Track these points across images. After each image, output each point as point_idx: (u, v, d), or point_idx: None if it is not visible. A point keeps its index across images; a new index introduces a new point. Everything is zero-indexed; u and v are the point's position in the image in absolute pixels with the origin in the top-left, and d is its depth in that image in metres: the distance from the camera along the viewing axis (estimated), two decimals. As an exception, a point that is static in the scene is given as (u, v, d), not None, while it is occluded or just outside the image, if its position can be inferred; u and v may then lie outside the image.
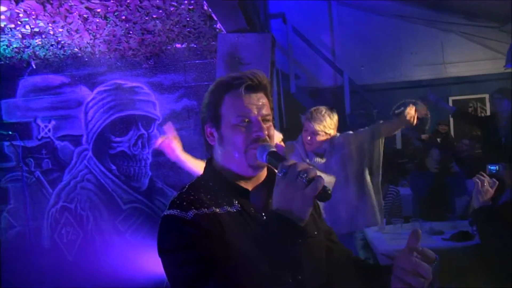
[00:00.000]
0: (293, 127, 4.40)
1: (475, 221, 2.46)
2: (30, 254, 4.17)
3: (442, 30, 6.56)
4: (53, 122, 4.53)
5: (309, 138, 2.69)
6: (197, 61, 4.32)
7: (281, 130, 5.11)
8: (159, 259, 1.02)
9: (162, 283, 3.36)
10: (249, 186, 1.10)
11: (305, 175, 0.89)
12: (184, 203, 1.01)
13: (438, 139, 5.74)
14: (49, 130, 4.53)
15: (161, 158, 4.31)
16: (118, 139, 4.45)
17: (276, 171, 0.98)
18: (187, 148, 2.43)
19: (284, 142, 2.69)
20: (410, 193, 4.38)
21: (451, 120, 6.49)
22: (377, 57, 6.61)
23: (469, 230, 2.84)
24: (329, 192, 0.89)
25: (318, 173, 0.92)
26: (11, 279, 4.12)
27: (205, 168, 1.16)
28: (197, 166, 2.26)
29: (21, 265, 4.18)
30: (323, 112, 2.66)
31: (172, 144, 2.35)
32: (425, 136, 5.64)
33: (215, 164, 1.13)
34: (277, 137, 2.62)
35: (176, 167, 2.47)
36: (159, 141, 2.38)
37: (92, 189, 4.51)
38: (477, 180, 2.24)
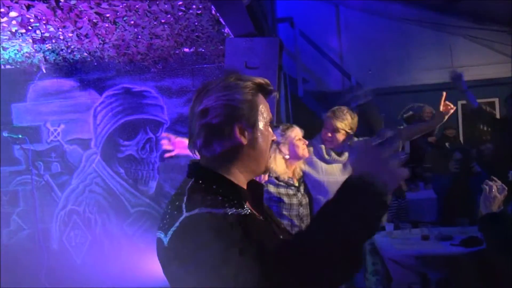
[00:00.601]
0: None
1: (482, 227, 2.44)
2: (39, 256, 4.20)
3: (451, 34, 6.52)
4: (62, 126, 4.57)
5: (329, 135, 2.75)
6: (205, 65, 4.34)
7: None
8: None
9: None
10: (246, 188, 1.12)
11: (403, 156, 0.87)
12: (210, 203, 0.95)
13: (447, 144, 5.68)
14: (58, 134, 4.58)
15: (169, 162, 4.33)
16: (126, 142, 4.48)
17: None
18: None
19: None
20: (423, 198, 4.40)
21: (460, 124, 6.44)
22: (385, 61, 6.59)
23: (479, 235, 2.81)
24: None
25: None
26: (20, 280, 4.15)
27: (202, 171, 1.08)
28: None
29: (30, 267, 4.21)
30: (345, 111, 2.74)
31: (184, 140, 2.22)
32: (433, 139, 5.57)
33: (216, 166, 1.07)
34: (298, 133, 2.69)
35: (184, 171, 2.44)
36: (169, 141, 2.20)
37: (100, 193, 4.54)
38: (485, 185, 2.22)
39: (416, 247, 2.97)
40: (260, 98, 1.10)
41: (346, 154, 2.82)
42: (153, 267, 3.63)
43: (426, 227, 3.24)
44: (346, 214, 0.85)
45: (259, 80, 1.10)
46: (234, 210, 0.96)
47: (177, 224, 0.93)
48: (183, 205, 0.96)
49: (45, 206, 4.52)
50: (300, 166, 2.73)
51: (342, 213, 0.85)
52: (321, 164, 2.79)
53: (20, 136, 4.30)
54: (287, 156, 2.64)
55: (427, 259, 2.87)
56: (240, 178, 1.09)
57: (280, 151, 2.64)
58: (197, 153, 1.11)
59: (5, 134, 4.22)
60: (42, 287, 4.08)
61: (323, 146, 2.81)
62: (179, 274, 0.92)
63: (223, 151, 1.06)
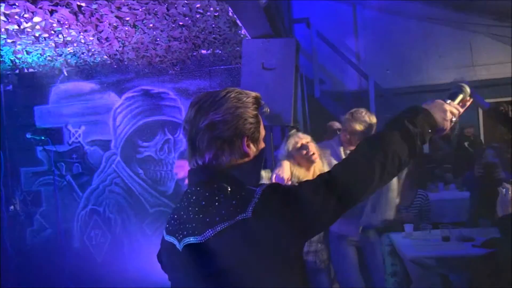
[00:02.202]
0: (317, 132, 4.38)
1: (499, 229, 2.41)
2: (61, 255, 4.30)
3: (471, 32, 6.40)
4: (83, 128, 4.67)
5: (348, 137, 2.74)
6: (222, 67, 4.37)
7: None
8: None
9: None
10: None
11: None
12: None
13: (466, 143, 5.58)
14: (79, 135, 4.67)
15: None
16: (145, 144, 4.55)
17: None
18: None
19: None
20: (443, 199, 4.39)
21: (480, 123, 6.32)
22: (403, 60, 6.51)
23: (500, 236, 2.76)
24: None
25: None
26: (43, 278, 4.25)
27: (226, 177, 1.09)
28: None
29: (53, 265, 4.31)
30: (363, 113, 2.73)
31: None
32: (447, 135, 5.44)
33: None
34: (296, 141, 2.60)
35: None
36: (179, 168, 2.17)
37: (120, 193, 4.61)
38: (502, 188, 2.19)
39: (436, 249, 2.92)
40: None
41: None
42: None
43: (446, 228, 3.19)
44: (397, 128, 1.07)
45: (257, 94, 1.14)
46: None
47: (255, 199, 1.00)
48: (248, 188, 1.03)
49: (66, 206, 4.63)
50: (319, 168, 2.69)
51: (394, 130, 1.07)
52: None
53: (42, 137, 4.41)
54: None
55: (448, 261, 2.82)
56: None
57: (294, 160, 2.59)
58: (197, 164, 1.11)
59: (28, 135, 4.33)
60: (64, 285, 4.17)
61: (341, 148, 2.80)
62: (285, 220, 0.99)
63: (231, 163, 1.09)
